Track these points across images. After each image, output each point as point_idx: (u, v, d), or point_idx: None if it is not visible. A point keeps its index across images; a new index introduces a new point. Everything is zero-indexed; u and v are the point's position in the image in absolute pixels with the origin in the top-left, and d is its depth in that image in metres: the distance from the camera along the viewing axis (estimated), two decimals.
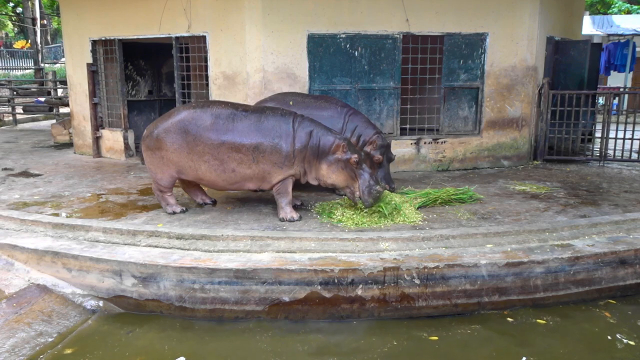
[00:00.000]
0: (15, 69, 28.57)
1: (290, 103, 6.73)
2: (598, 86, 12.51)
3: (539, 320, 4.68)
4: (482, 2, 8.37)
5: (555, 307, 4.89)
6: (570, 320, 4.73)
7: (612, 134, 9.05)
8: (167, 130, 5.68)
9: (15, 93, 16.94)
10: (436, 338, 4.47)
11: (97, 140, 9.80)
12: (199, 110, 5.71)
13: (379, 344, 4.41)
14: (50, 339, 4.31)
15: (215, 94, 8.36)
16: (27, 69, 28.21)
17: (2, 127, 15.22)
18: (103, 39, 9.41)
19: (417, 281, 4.68)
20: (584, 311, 4.88)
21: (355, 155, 5.58)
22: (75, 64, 10.02)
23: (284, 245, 5.04)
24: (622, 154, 8.99)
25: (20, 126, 15.55)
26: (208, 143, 5.56)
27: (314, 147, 5.66)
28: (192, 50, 8.68)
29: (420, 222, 5.68)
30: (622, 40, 16.57)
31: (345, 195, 6.03)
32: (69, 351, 4.26)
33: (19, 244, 5.21)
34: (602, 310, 4.88)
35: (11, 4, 33.51)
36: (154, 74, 10.94)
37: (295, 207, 6.07)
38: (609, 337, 4.46)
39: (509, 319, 4.72)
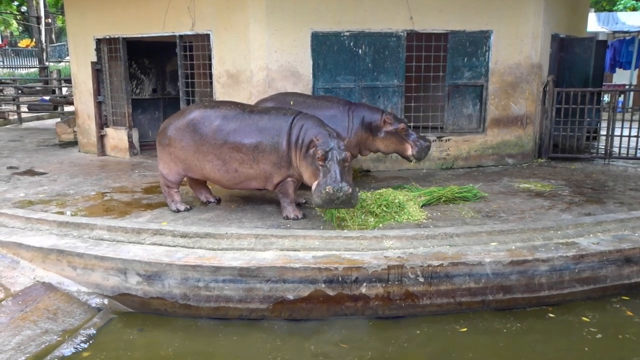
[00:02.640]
0: (19, 67, 28.69)
1: (291, 103, 6.73)
2: (603, 84, 12.46)
3: (584, 318, 4.70)
4: None
5: (575, 303, 4.91)
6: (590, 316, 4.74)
7: (617, 132, 9.01)
8: (178, 128, 5.73)
9: (20, 92, 16.98)
10: (465, 329, 4.53)
11: (101, 138, 9.83)
12: (209, 110, 5.74)
13: (384, 341, 4.41)
14: (55, 337, 4.33)
15: (219, 92, 8.37)
16: (32, 67, 28.33)
17: (7, 126, 15.28)
18: (107, 37, 9.43)
19: (421, 279, 4.67)
20: (608, 309, 4.87)
21: (321, 150, 5.10)
22: (79, 63, 10.04)
23: (288, 244, 5.04)
24: (628, 151, 8.95)
25: (25, 125, 15.60)
26: (212, 143, 5.58)
27: (299, 143, 5.42)
28: (196, 48, 8.69)
29: (424, 220, 5.67)
30: (627, 38, 16.51)
31: None
32: (74, 348, 4.28)
33: (25, 242, 5.23)
34: (624, 309, 4.85)
35: (16, 3, 33.59)
36: (158, 73, 10.94)
37: (299, 205, 6.08)
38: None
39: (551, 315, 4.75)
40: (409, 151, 6.73)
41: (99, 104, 9.71)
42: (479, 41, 8.43)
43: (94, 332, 4.53)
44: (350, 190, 4.97)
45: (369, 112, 6.80)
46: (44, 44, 27.17)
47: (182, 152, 5.74)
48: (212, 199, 6.41)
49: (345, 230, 5.31)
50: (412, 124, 8.44)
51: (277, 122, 5.58)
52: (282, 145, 5.51)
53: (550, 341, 4.40)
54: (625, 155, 8.97)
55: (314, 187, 5.12)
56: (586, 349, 4.29)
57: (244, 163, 5.58)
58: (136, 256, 4.86)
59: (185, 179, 6.18)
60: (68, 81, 15.87)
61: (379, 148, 6.89)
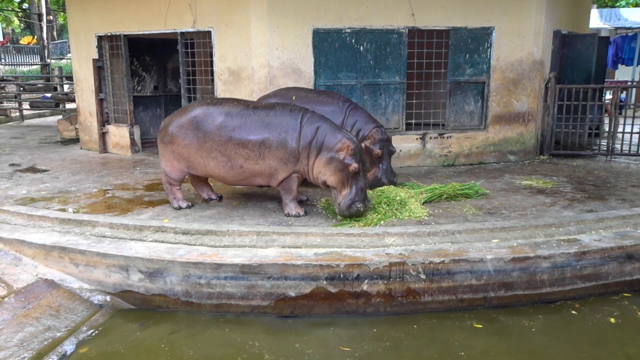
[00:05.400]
0: (21, 64, 28.66)
1: (293, 98, 6.73)
2: (605, 80, 12.43)
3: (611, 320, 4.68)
4: None
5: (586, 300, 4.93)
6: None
7: (619, 128, 8.99)
8: (180, 125, 5.73)
9: (21, 89, 16.97)
10: (480, 325, 4.57)
11: (103, 136, 9.84)
12: (212, 107, 5.73)
13: (387, 339, 4.42)
14: (58, 334, 4.35)
15: (220, 89, 8.37)
16: (34, 64, 28.31)
17: (9, 123, 15.31)
18: (109, 34, 9.42)
19: (422, 276, 4.68)
20: (617, 306, 4.89)
21: (356, 165, 5.32)
22: (81, 60, 10.05)
23: (290, 241, 5.05)
24: (630, 148, 8.94)
25: (27, 122, 15.63)
26: (216, 140, 5.58)
27: (318, 142, 5.49)
28: (198, 45, 8.68)
29: (426, 217, 5.67)
30: (629, 34, 16.44)
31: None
32: (77, 345, 4.29)
33: (27, 239, 5.24)
34: (633, 307, 4.86)
35: (17, 0, 33.58)
36: (159, 70, 10.94)
37: (301, 203, 6.08)
38: None
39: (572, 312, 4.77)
40: (369, 175, 6.50)
41: (100, 101, 9.72)
42: (480, 38, 8.41)
43: (96, 328, 4.55)
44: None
45: (363, 118, 6.72)
46: (46, 41, 27.15)
47: (184, 149, 5.74)
48: (213, 196, 6.41)
49: (347, 227, 5.32)
50: (413, 121, 8.50)
51: (284, 119, 5.59)
52: (290, 142, 5.51)
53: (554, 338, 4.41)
54: (627, 152, 8.96)
55: (345, 198, 5.39)
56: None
57: (249, 159, 5.59)
58: (138, 253, 4.87)
59: (186, 176, 6.19)
60: (70, 78, 15.85)
61: None
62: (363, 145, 6.52)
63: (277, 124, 5.57)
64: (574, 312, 4.78)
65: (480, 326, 4.56)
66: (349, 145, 5.37)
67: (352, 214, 5.42)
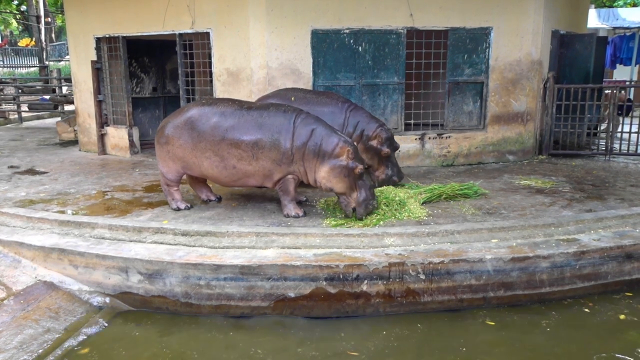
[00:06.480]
0: (20, 67, 28.65)
1: (292, 99, 6.72)
2: (604, 80, 12.44)
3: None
4: None
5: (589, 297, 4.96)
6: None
7: (617, 128, 8.99)
8: (176, 126, 5.73)
9: (20, 91, 16.97)
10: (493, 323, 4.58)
11: (102, 137, 9.83)
12: (207, 107, 5.74)
13: (388, 338, 4.42)
14: (57, 335, 4.34)
15: (219, 90, 8.37)
16: (32, 66, 28.30)
17: (8, 125, 15.29)
18: (107, 36, 9.42)
19: (422, 276, 4.68)
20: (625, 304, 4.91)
21: (361, 166, 5.40)
22: (79, 62, 10.04)
23: (289, 242, 5.05)
24: (628, 148, 8.94)
25: (25, 124, 15.61)
26: (210, 140, 5.59)
27: (315, 146, 5.47)
28: (196, 47, 8.68)
29: (425, 218, 5.67)
30: (627, 34, 16.46)
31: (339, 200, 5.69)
32: (76, 347, 4.29)
33: (26, 241, 5.24)
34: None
35: (15, 2, 33.54)
36: (158, 71, 10.94)
37: (300, 203, 6.08)
38: None
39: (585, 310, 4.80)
40: (379, 174, 6.65)
41: (99, 103, 9.71)
42: (479, 38, 8.42)
43: (96, 330, 4.54)
44: None
45: (365, 118, 6.71)
46: (44, 43, 27.14)
47: (180, 150, 5.74)
48: (212, 197, 6.41)
49: (346, 228, 5.32)
50: (412, 122, 8.51)
51: (277, 120, 5.58)
52: (283, 143, 5.50)
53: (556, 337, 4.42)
54: (625, 151, 8.97)
55: (358, 201, 5.46)
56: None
57: (242, 159, 5.58)
58: (137, 255, 4.87)
59: (185, 177, 6.19)
60: (68, 80, 15.86)
61: None
62: (369, 145, 6.55)
63: (270, 124, 5.56)
64: (586, 310, 4.79)
65: (493, 324, 4.58)
66: (349, 149, 5.37)
67: (369, 213, 5.56)
